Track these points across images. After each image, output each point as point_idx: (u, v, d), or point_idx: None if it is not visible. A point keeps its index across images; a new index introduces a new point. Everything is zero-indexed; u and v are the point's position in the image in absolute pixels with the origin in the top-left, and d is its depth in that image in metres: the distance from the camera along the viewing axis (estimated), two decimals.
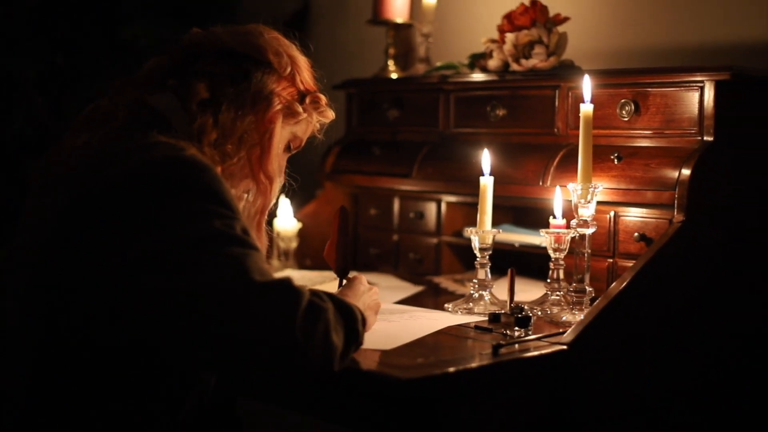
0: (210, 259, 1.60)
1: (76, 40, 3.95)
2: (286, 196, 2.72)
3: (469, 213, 2.62)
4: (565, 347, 1.86)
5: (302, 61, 2.01)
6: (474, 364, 1.74)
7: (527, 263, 2.41)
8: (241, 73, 1.91)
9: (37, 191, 1.89)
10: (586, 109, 2.10)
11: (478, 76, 2.63)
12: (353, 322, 1.72)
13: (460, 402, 1.73)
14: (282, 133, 1.97)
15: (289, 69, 1.95)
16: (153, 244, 1.62)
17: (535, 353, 1.84)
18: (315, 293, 1.67)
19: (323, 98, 2.03)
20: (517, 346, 1.86)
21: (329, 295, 1.71)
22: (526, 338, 1.88)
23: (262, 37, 1.97)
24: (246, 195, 1.97)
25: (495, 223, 2.49)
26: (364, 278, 2.05)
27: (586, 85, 2.13)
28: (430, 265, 2.73)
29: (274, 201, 2.00)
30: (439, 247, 2.72)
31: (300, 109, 1.97)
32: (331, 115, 2.07)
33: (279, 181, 2.00)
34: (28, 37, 3.90)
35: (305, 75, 2.01)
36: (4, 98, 3.88)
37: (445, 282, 2.57)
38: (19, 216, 1.96)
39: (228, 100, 1.87)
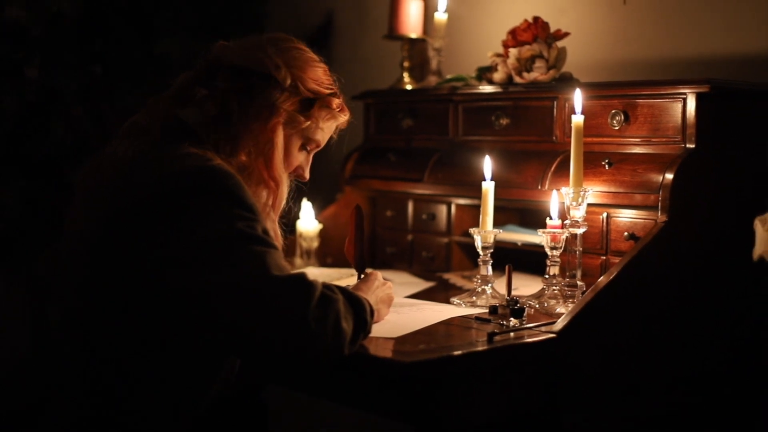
0: (234, 257, 1.78)
1: (113, 54, 4.02)
2: (308, 200, 2.90)
3: (477, 214, 2.73)
4: (554, 335, 2.02)
5: (312, 67, 2.11)
6: (469, 350, 1.90)
7: (529, 261, 2.56)
8: (246, 89, 2.03)
9: (81, 197, 2.05)
10: (577, 119, 2.27)
11: (484, 88, 2.77)
12: (362, 312, 1.89)
13: (457, 384, 1.89)
14: (291, 140, 2.09)
15: (289, 80, 2.04)
16: (184, 244, 1.80)
17: (527, 341, 2.00)
18: (327, 286, 1.84)
19: (335, 101, 2.13)
20: (512, 334, 2.02)
21: (340, 288, 1.88)
22: (519, 327, 2.06)
23: (265, 51, 2.06)
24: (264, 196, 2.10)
25: (502, 224, 2.67)
26: (379, 274, 2.22)
27: (578, 98, 2.29)
28: (441, 263, 2.87)
29: (284, 200, 2.11)
30: (449, 246, 2.86)
31: (301, 118, 2.07)
32: (345, 116, 2.18)
33: (287, 183, 2.11)
34: (69, 51, 3.97)
35: (310, 83, 2.08)
36: (46, 109, 3.96)
37: (454, 278, 2.73)
38: (62, 218, 2.11)
39: (236, 115, 2.01)
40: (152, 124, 2.02)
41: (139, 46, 4.04)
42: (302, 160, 2.16)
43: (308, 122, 2.09)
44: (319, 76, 2.11)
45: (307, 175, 2.18)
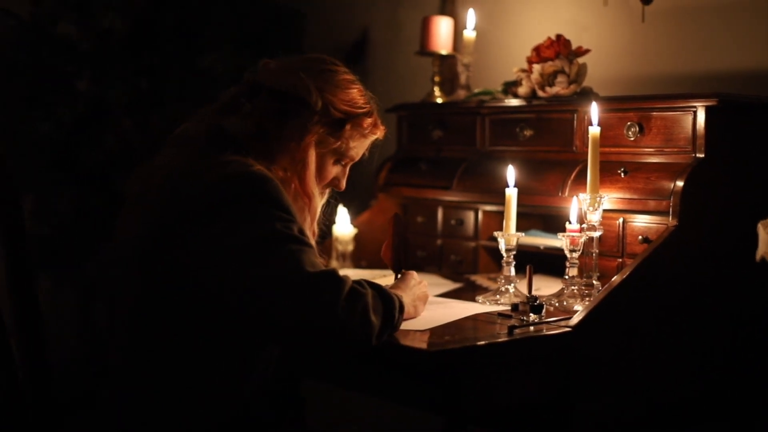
0: (272, 255, 1.94)
1: (160, 68, 4.16)
2: (344, 206, 3.03)
3: (502, 220, 2.80)
4: (570, 329, 2.17)
5: (345, 90, 2.23)
6: (491, 341, 2.07)
7: (551, 263, 2.69)
8: (281, 112, 2.17)
9: (131, 203, 2.20)
10: (594, 131, 2.42)
11: (509, 102, 2.90)
12: (391, 307, 2.04)
13: (479, 372, 2.05)
14: (324, 158, 2.24)
15: (320, 104, 2.17)
16: (229, 243, 1.96)
17: (545, 334, 2.15)
18: (357, 282, 2.00)
19: (366, 120, 2.26)
20: (531, 328, 2.18)
21: (371, 284, 2.04)
22: (538, 322, 2.22)
23: (299, 75, 2.19)
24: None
25: (526, 229, 2.81)
26: (415, 273, 2.38)
27: (594, 111, 2.45)
28: (469, 266, 3.01)
29: (318, 212, 2.27)
30: (476, 250, 3.00)
31: (332, 139, 2.21)
32: (377, 134, 2.32)
33: (320, 197, 2.27)
34: (118, 65, 4.13)
35: (341, 105, 2.21)
36: (96, 120, 4.12)
37: (480, 279, 2.86)
38: (110, 223, 2.28)
39: (272, 134, 2.16)
40: (198, 133, 2.17)
41: (185, 61, 4.17)
42: (338, 172, 2.30)
43: (339, 142, 2.23)
44: (351, 97, 2.24)
45: (343, 186, 2.33)
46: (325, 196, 2.35)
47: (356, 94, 2.26)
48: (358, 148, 2.31)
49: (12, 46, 4.05)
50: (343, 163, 2.31)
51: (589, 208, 2.42)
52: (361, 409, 3.63)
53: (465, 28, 3.27)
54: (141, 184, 2.18)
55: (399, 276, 2.43)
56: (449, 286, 2.81)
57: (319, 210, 2.28)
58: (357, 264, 3.11)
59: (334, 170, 2.29)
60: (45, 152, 4.12)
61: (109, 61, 4.13)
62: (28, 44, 4.05)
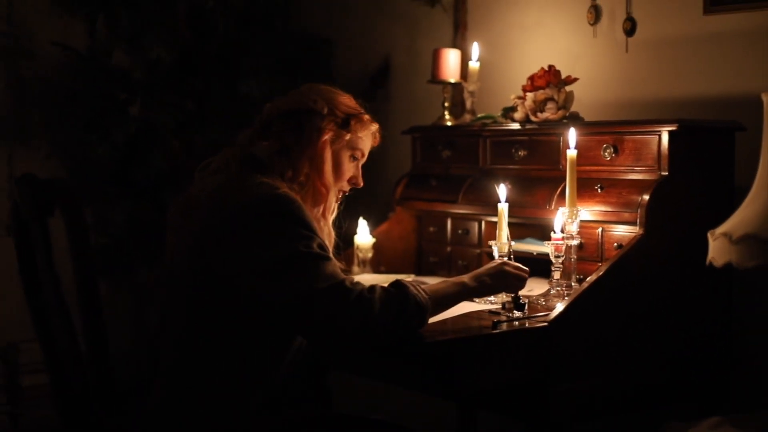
0: (293, 269, 2.26)
1: (203, 93, 4.39)
2: (364, 218, 3.37)
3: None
4: (546, 324, 2.51)
5: (336, 97, 2.57)
6: (478, 333, 2.43)
7: (542, 267, 2.95)
8: (296, 125, 2.51)
9: (176, 219, 2.48)
10: (571, 153, 2.76)
11: (507, 126, 3.21)
12: (404, 307, 2.30)
13: (467, 360, 2.39)
14: (340, 154, 2.57)
15: (325, 108, 2.52)
16: (258, 257, 2.29)
17: (525, 328, 2.50)
18: (367, 289, 2.28)
19: (365, 116, 2.58)
20: (516, 323, 2.54)
21: (388, 288, 2.33)
22: (520, 318, 2.58)
23: (302, 92, 2.57)
24: (319, 207, 2.58)
25: (522, 238, 3.16)
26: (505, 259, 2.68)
27: (572, 136, 2.79)
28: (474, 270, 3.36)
29: (333, 205, 2.61)
30: (480, 256, 3.30)
31: (343, 132, 2.54)
32: (376, 125, 2.62)
33: (336, 190, 2.60)
34: (166, 92, 4.37)
35: (341, 106, 2.55)
36: (147, 141, 4.37)
37: None
38: (160, 235, 2.55)
39: (293, 147, 2.50)
40: (232, 159, 2.52)
41: (225, 86, 4.39)
42: (354, 170, 2.64)
43: (349, 135, 2.57)
44: (347, 100, 2.59)
45: (360, 182, 2.65)
46: (341, 198, 2.66)
47: (348, 98, 2.61)
48: (365, 140, 2.62)
49: (71, 77, 4.33)
50: (357, 157, 2.61)
51: (568, 219, 2.78)
52: (384, 399, 3.93)
53: (470, 59, 3.58)
54: (184, 204, 2.46)
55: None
56: None
57: (334, 204, 2.62)
58: (376, 269, 3.40)
59: (351, 168, 2.63)
60: (102, 171, 4.39)
61: (158, 88, 4.36)
62: (86, 75, 4.31)
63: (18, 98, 4.45)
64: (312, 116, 2.53)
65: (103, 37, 4.41)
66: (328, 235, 2.60)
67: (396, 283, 2.34)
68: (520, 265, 2.63)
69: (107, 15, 4.39)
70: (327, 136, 2.54)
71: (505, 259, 2.70)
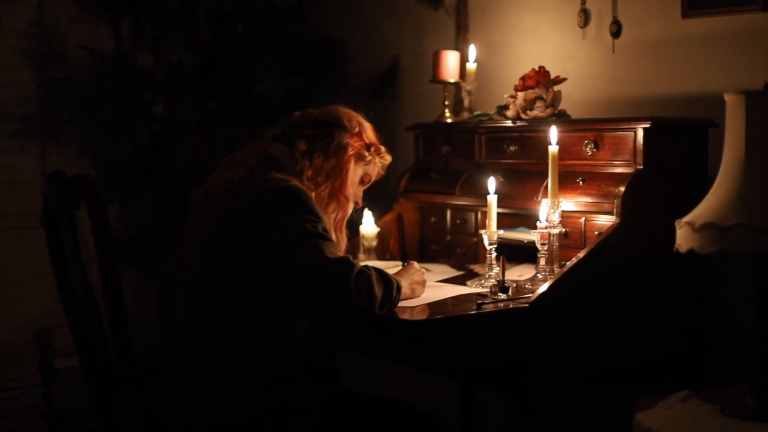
0: (302, 247, 2.51)
1: (223, 93, 4.53)
2: (369, 209, 3.55)
3: (497, 219, 3.28)
4: (527, 305, 2.74)
5: (367, 125, 2.85)
6: (463, 313, 2.66)
7: (532, 254, 3.22)
8: (327, 133, 2.77)
9: (196, 211, 2.70)
10: (553, 149, 2.99)
11: (500, 123, 3.43)
12: (390, 287, 2.61)
13: (453, 338, 2.62)
14: (356, 170, 2.83)
15: (357, 128, 2.80)
16: (270, 240, 2.52)
17: (506, 308, 2.73)
18: (365, 266, 2.56)
19: (383, 148, 2.87)
20: (501, 305, 2.77)
21: (376, 269, 2.61)
22: (504, 299, 2.82)
23: (340, 110, 2.82)
24: (333, 213, 2.83)
25: (515, 227, 3.38)
26: (416, 263, 2.95)
27: (553, 133, 3.01)
28: (471, 257, 3.54)
29: (349, 214, 2.86)
30: (476, 244, 3.51)
31: (366, 154, 2.84)
32: (389, 158, 2.92)
33: (353, 202, 2.87)
34: (188, 91, 4.52)
35: (369, 133, 2.84)
36: (170, 138, 4.51)
37: (478, 268, 3.39)
38: (184, 227, 2.74)
39: (318, 151, 2.77)
40: (250, 156, 2.75)
41: (244, 87, 4.54)
42: (359, 192, 2.90)
43: (370, 157, 2.85)
44: (372, 132, 2.86)
45: (360, 203, 2.93)
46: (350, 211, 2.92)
47: (372, 130, 2.88)
48: (376, 168, 2.90)
49: (98, 79, 4.50)
50: (365, 181, 2.88)
51: (550, 210, 3.01)
52: (389, 378, 4.14)
53: (468, 60, 3.79)
54: (205, 196, 2.69)
55: (404, 264, 3.04)
56: (454, 273, 3.37)
57: (349, 214, 2.87)
58: (381, 257, 3.61)
59: (359, 190, 2.90)
60: (129, 167, 4.54)
61: (181, 88, 4.52)
62: (112, 76, 4.47)
63: (49, 99, 4.60)
64: (344, 131, 2.79)
65: (128, 40, 4.56)
66: (342, 244, 2.85)
67: (379, 270, 2.60)
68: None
69: (132, 20, 4.55)
70: (352, 152, 2.79)
71: (416, 263, 2.98)
